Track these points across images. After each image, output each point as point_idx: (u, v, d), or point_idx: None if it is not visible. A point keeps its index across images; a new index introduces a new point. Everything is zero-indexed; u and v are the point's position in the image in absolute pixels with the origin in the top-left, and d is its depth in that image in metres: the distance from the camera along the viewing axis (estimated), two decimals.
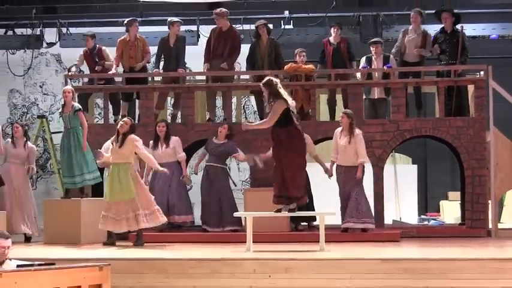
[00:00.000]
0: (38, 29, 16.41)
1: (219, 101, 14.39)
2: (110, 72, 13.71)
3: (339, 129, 12.05)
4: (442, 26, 13.36)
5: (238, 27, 14.64)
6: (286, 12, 16.23)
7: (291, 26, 16.34)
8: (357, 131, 11.92)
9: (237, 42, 13.55)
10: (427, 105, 15.05)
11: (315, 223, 12.31)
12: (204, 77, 13.94)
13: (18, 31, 16.62)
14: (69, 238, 11.65)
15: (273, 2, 15.86)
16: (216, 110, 14.21)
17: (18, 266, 7.88)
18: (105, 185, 11.89)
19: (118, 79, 13.91)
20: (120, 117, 12.81)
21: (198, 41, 15.81)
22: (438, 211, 16.76)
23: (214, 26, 13.66)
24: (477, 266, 8.94)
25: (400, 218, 15.44)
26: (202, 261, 9.33)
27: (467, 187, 12.82)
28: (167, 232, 12.17)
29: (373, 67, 13.36)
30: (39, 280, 7.49)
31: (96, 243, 11.49)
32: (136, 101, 13.89)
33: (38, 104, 17.45)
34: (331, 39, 13.58)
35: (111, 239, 11.41)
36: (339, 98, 13.63)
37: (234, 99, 14.17)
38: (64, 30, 16.36)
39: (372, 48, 13.49)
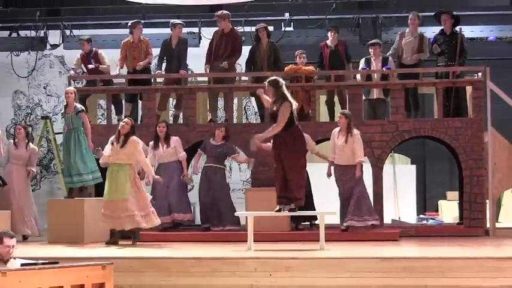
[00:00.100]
0: (42, 31, 16.42)
1: (220, 102, 14.37)
2: (113, 73, 13.72)
3: (337, 129, 12.06)
4: (442, 27, 13.36)
5: (239, 29, 14.64)
6: (287, 15, 16.24)
7: (291, 28, 16.34)
8: (355, 131, 11.94)
9: (237, 43, 13.55)
10: (426, 106, 15.07)
11: (316, 222, 12.30)
12: (205, 78, 13.95)
13: (23, 33, 16.63)
14: (72, 237, 11.65)
15: (274, 5, 15.88)
16: (217, 111, 14.21)
17: (22, 265, 7.88)
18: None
19: (121, 80, 13.92)
20: (122, 117, 12.82)
21: (199, 42, 15.83)
22: (437, 211, 16.76)
23: (217, 29, 13.67)
24: (475, 264, 8.93)
25: (399, 218, 15.44)
26: (203, 260, 9.32)
27: (465, 187, 12.82)
28: (169, 232, 12.18)
29: (372, 68, 13.39)
30: (43, 279, 7.49)
31: (99, 242, 11.49)
32: (139, 102, 13.91)
33: (41, 105, 17.45)
34: (328, 42, 13.61)
35: (114, 238, 11.42)
36: (337, 99, 13.66)
37: (235, 100, 14.17)
38: (67, 32, 16.37)
39: (370, 50, 13.51)
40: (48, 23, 16.44)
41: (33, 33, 16.45)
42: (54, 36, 16.47)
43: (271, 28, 14.10)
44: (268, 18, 15.19)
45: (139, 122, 13.66)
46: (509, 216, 15.72)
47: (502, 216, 15.63)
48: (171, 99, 14.44)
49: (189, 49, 13.88)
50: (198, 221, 13.55)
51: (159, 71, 13.69)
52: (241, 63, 14.07)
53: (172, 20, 13.86)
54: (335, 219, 11.82)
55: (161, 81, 13.90)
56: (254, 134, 10.76)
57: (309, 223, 12.55)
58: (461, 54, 13.13)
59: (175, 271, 9.21)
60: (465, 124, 12.86)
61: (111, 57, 14.91)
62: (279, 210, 10.38)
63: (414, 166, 16.98)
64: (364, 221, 11.79)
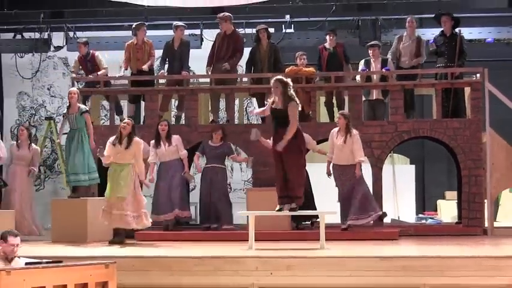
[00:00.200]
0: (46, 33, 16.41)
1: (222, 103, 14.37)
2: (118, 75, 13.73)
3: (336, 129, 12.08)
4: (441, 29, 13.36)
5: (241, 31, 14.64)
6: (287, 17, 16.23)
7: (292, 30, 16.34)
8: (354, 132, 11.95)
9: (239, 45, 13.56)
10: (425, 107, 15.06)
11: (317, 220, 12.30)
12: (207, 80, 13.96)
13: (27, 35, 16.63)
14: (76, 236, 11.66)
15: (275, 7, 15.86)
16: (219, 111, 14.21)
17: (26, 263, 7.89)
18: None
19: (124, 81, 13.94)
20: (124, 117, 12.82)
21: (201, 44, 15.82)
22: (435, 210, 16.75)
23: (219, 31, 13.68)
24: (474, 263, 8.93)
25: (399, 217, 15.43)
26: (205, 259, 9.33)
27: (463, 187, 12.82)
28: (171, 231, 12.19)
29: (371, 70, 13.40)
30: (47, 277, 7.50)
31: (102, 241, 11.49)
32: (142, 102, 13.92)
33: (45, 106, 17.45)
34: (327, 45, 13.64)
35: (118, 238, 11.42)
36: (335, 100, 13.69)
37: (236, 101, 14.17)
38: (71, 34, 16.36)
39: (369, 51, 13.53)
40: (52, 25, 16.44)
41: (37, 35, 16.44)
42: (57, 38, 16.46)
43: (272, 30, 14.11)
44: (269, 20, 15.16)
45: (142, 123, 13.68)
46: (507, 215, 15.71)
47: (500, 216, 15.63)
48: (173, 100, 14.44)
49: (191, 51, 13.89)
50: (197, 220, 13.58)
51: (162, 71, 13.67)
52: (242, 64, 14.06)
53: (174, 22, 13.88)
54: (335, 219, 11.82)
55: (163, 82, 13.92)
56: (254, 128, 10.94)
57: (309, 222, 12.55)
58: (460, 56, 13.13)
59: (178, 270, 9.22)
60: (463, 125, 12.86)
61: (114, 59, 14.99)
62: (280, 210, 10.39)
63: (413, 166, 16.97)
64: (368, 217, 11.80)
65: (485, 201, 12.69)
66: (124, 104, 14.74)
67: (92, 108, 13.74)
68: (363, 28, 15.75)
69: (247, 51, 13.71)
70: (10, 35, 16.84)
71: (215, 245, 10.94)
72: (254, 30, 13.90)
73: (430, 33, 14.78)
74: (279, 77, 10.47)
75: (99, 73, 13.65)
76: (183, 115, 13.82)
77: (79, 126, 12.37)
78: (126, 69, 13.70)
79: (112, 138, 11.51)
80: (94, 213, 11.67)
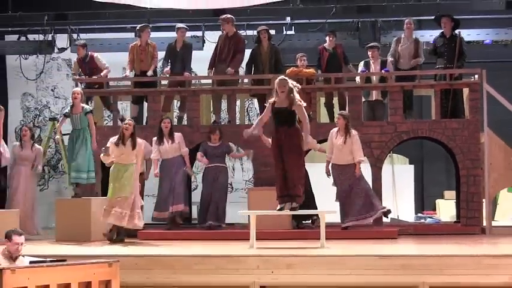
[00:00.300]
0: (50, 35, 16.42)
1: (223, 104, 14.37)
2: (123, 76, 13.74)
3: (335, 129, 12.08)
4: (441, 31, 13.36)
5: (242, 32, 14.63)
6: (288, 19, 16.23)
7: (292, 32, 16.35)
8: (353, 132, 11.96)
9: (240, 47, 13.56)
10: (424, 108, 15.05)
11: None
12: (209, 81, 13.96)
13: (31, 37, 16.64)
14: (79, 235, 11.66)
15: (276, 9, 15.87)
16: (221, 112, 14.21)
17: (31, 262, 7.90)
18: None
19: (128, 82, 13.97)
20: (127, 118, 12.81)
21: (203, 46, 15.83)
22: (434, 209, 16.75)
23: (221, 33, 13.69)
24: (472, 262, 8.93)
25: (398, 216, 15.42)
26: (207, 257, 9.32)
27: (462, 186, 12.82)
28: (172, 231, 12.19)
29: (371, 71, 13.41)
30: (51, 276, 7.50)
31: (105, 240, 11.49)
32: (145, 103, 13.93)
33: (49, 107, 17.46)
34: (327, 45, 13.66)
35: (120, 236, 11.44)
36: (336, 100, 13.68)
37: (237, 102, 14.17)
38: (75, 36, 16.38)
39: (369, 53, 13.56)
40: (56, 27, 16.44)
41: (41, 37, 16.45)
42: (61, 40, 16.47)
43: (272, 32, 14.11)
44: (270, 22, 15.18)
45: (144, 123, 13.68)
46: (505, 214, 15.71)
47: (498, 215, 15.62)
48: (175, 101, 14.44)
49: (193, 52, 13.89)
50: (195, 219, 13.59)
51: (166, 69, 13.65)
52: (242, 65, 14.05)
53: (178, 24, 13.89)
54: (335, 218, 11.81)
55: (165, 83, 13.92)
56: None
57: (310, 221, 12.55)
58: (460, 57, 13.14)
59: (180, 268, 9.22)
60: (462, 125, 12.87)
61: (116, 60, 14.96)
62: (281, 209, 10.39)
63: (412, 166, 16.97)
64: (369, 217, 11.81)
65: (484, 200, 12.69)
66: (127, 105, 14.76)
67: (95, 109, 13.74)
68: (363, 30, 15.76)
69: (248, 53, 13.71)
70: (15, 37, 16.85)
71: (217, 244, 10.94)
72: (255, 32, 13.91)
73: (428, 35, 14.80)
74: (285, 77, 10.49)
75: (102, 74, 13.65)
76: (185, 116, 13.83)
77: (82, 126, 12.38)
78: (131, 70, 13.70)
79: (114, 139, 11.50)
80: (98, 213, 11.67)
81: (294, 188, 10.26)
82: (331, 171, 12.07)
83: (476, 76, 13.07)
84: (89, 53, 13.81)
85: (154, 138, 12.55)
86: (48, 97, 17.47)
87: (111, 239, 11.38)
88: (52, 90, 17.48)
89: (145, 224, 13.19)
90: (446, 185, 16.71)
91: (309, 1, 15.94)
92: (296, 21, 16.33)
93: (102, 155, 11.47)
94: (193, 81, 14.23)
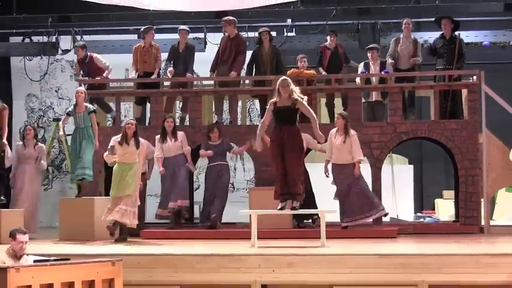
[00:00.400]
0: (54, 37, 16.42)
1: (225, 105, 14.37)
2: (130, 77, 13.74)
3: (334, 129, 12.09)
4: (441, 32, 13.36)
5: (243, 34, 14.64)
6: (289, 21, 16.24)
7: (293, 34, 16.35)
8: (352, 132, 11.96)
9: (241, 48, 13.57)
10: (423, 108, 15.04)
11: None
12: (211, 82, 13.96)
13: (35, 39, 16.65)
14: (83, 235, 11.65)
15: (276, 11, 15.86)
16: (223, 113, 14.22)
17: (35, 261, 7.91)
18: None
19: (130, 84, 13.97)
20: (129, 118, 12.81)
21: (205, 47, 15.84)
22: (433, 209, 16.73)
23: (224, 35, 13.69)
24: (471, 261, 8.93)
25: (397, 216, 15.40)
26: (209, 256, 9.32)
27: (460, 186, 12.82)
28: (175, 230, 12.20)
29: (370, 72, 13.42)
30: (55, 274, 7.51)
31: (108, 239, 11.48)
32: (147, 104, 13.93)
33: (53, 108, 17.47)
34: (328, 44, 13.69)
35: (123, 236, 11.43)
36: (337, 101, 13.67)
37: (239, 103, 14.17)
38: (78, 37, 16.38)
39: (368, 54, 13.57)
40: (60, 29, 16.45)
41: (45, 39, 16.45)
42: (65, 42, 16.47)
43: (273, 33, 14.10)
44: (271, 24, 15.17)
45: (147, 124, 13.69)
46: (503, 214, 15.68)
47: (496, 214, 15.60)
48: (177, 102, 14.44)
49: (195, 54, 13.89)
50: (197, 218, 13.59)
51: (170, 69, 13.65)
52: (244, 66, 14.06)
53: (181, 26, 13.90)
54: (335, 217, 11.81)
55: (168, 84, 13.93)
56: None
57: (310, 220, 12.54)
58: (459, 58, 13.14)
59: (182, 267, 9.22)
60: (461, 126, 12.87)
61: (120, 62, 14.99)
62: (282, 209, 10.38)
63: (411, 166, 16.95)
64: (364, 218, 11.81)
65: (482, 200, 12.68)
66: (130, 105, 14.77)
67: (98, 109, 13.73)
68: (363, 31, 15.76)
69: (249, 54, 13.71)
70: (19, 39, 16.85)
71: (218, 243, 10.94)
72: (256, 34, 13.91)
73: (427, 37, 14.81)
74: (286, 78, 10.54)
75: (104, 74, 13.66)
76: (187, 116, 13.83)
77: (86, 125, 12.39)
78: (137, 71, 13.68)
79: (117, 138, 11.49)
80: (101, 212, 11.66)
81: (295, 186, 10.25)
82: (331, 171, 12.06)
83: (474, 77, 13.07)
84: (88, 53, 13.81)
85: (157, 137, 12.55)
86: (52, 98, 17.48)
87: (113, 232, 11.35)
88: (56, 91, 17.48)
89: (148, 223, 13.23)
90: (445, 185, 16.70)
91: (310, 3, 15.93)
92: (297, 23, 16.34)
93: (106, 154, 11.44)
94: (195, 83, 14.23)
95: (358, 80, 13.53)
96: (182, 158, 12.55)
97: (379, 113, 13.41)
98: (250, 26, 15.60)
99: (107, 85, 13.83)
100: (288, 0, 15.39)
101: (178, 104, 14.59)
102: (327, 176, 12.09)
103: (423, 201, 17.33)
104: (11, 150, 12.75)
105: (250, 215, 10.79)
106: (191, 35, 14.29)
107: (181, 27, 13.85)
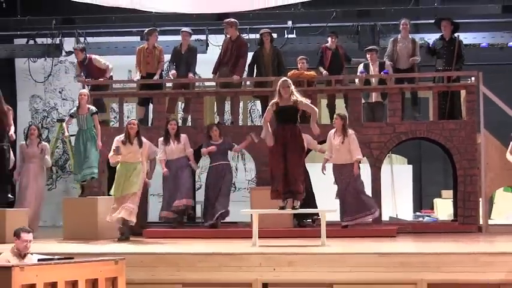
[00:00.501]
0: (58, 39, 16.43)
1: (227, 106, 14.37)
2: (135, 79, 13.72)
3: (333, 130, 12.09)
4: (441, 34, 13.36)
5: (245, 36, 14.65)
6: (290, 23, 16.25)
7: (294, 35, 16.36)
8: (350, 131, 11.96)
9: (242, 51, 13.56)
10: (422, 109, 15.03)
11: (318, 217, 12.28)
12: (212, 83, 13.96)
13: (39, 40, 16.65)
14: (86, 234, 11.64)
15: (277, 13, 15.86)
16: (224, 114, 14.22)
17: (39, 260, 7.91)
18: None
19: (133, 84, 13.97)
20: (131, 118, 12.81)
21: (207, 49, 15.85)
22: (432, 208, 16.72)
23: (226, 37, 13.70)
24: (469, 259, 8.92)
25: (397, 215, 15.40)
26: (211, 255, 9.32)
27: (459, 186, 12.82)
28: (177, 229, 12.19)
29: (370, 73, 13.42)
30: (59, 273, 7.51)
31: (112, 238, 11.48)
32: (150, 105, 13.93)
33: (57, 109, 17.46)
34: (328, 45, 13.72)
35: (126, 235, 11.43)
36: (338, 102, 13.67)
37: (240, 104, 14.17)
38: (82, 39, 16.39)
39: (367, 56, 13.56)
40: (64, 31, 16.45)
41: (49, 41, 16.46)
42: (69, 44, 16.46)
43: (274, 35, 14.10)
44: (272, 25, 15.16)
45: (150, 124, 13.68)
46: (501, 213, 15.67)
47: (494, 214, 15.58)
48: (179, 102, 14.44)
49: (197, 55, 13.89)
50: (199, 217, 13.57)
51: (173, 72, 13.64)
52: (245, 68, 14.06)
53: (182, 28, 13.91)
54: (336, 217, 11.81)
55: (170, 85, 13.93)
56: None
57: (310, 220, 12.54)
58: (458, 60, 13.14)
59: (184, 266, 9.22)
60: (459, 126, 12.86)
61: (122, 63, 15.01)
62: (283, 208, 10.38)
63: (411, 166, 16.94)
64: (363, 217, 11.81)
65: (480, 199, 12.67)
66: (133, 106, 14.76)
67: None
68: (362, 33, 15.76)
69: (250, 55, 13.70)
70: (23, 41, 16.86)
71: (220, 242, 10.93)
72: (257, 36, 13.92)
73: (426, 39, 14.77)
74: (287, 79, 10.58)
75: (106, 75, 13.67)
76: (189, 117, 13.82)
77: (89, 127, 12.39)
78: (140, 72, 13.67)
79: (120, 137, 11.48)
80: (104, 212, 11.66)
81: (296, 184, 10.25)
82: (332, 171, 12.05)
83: (473, 78, 13.07)
84: (87, 55, 13.81)
85: (161, 139, 12.54)
86: (56, 99, 17.47)
87: (124, 232, 11.36)
88: (60, 92, 17.47)
89: (150, 222, 13.22)
90: (444, 185, 16.68)
91: (310, 5, 15.91)
92: (297, 25, 16.35)
93: (111, 154, 11.42)
94: (197, 84, 14.24)
95: (357, 81, 13.53)
96: (185, 160, 12.55)
97: (378, 114, 13.41)
98: (251, 28, 15.60)
99: (110, 86, 13.83)
100: (289, 3, 15.39)
101: (181, 105, 14.59)
102: (324, 173, 12.07)
103: (422, 200, 17.31)
104: (13, 151, 12.75)
105: (251, 214, 10.80)
106: (193, 37, 14.28)
107: (184, 29, 13.85)
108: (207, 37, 16.02)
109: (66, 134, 13.15)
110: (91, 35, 16.50)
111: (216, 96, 13.83)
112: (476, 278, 8.81)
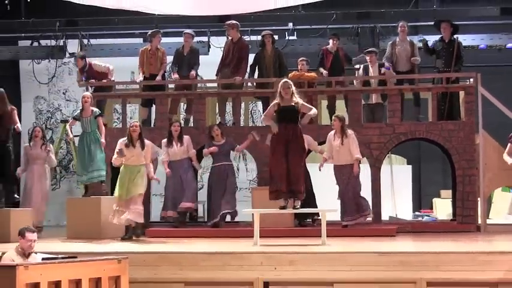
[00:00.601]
0: (61, 41, 16.44)
1: (228, 107, 14.37)
2: (138, 80, 13.72)
3: (332, 132, 12.08)
4: (441, 35, 13.36)
5: (246, 38, 14.65)
6: (290, 24, 16.25)
7: (294, 37, 16.36)
8: (349, 132, 11.96)
9: (244, 52, 13.56)
10: (421, 110, 15.03)
11: (318, 218, 12.29)
12: (214, 84, 13.97)
13: (43, 42, 16.66)
14: (90, 233, 11.64)
15: (278, 15, 15.87)
16: (226, 114, 14.22)
17: (43, 259, 7.92)
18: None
19: (136, 86, 13.98)
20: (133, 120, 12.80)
21: (208, 51, 15.86)
22: (431, 208, 16.73)
23: (227, 39, 13.71)
24: (468, 258, 8.92)
25: (396, 215, 15.41)
26: (213, 254, 9.33)
27: (458, 186, 12.81)
28: (179, 228, 12.20)
29: (369, 75, 13.42)
30: (63, 272, 7.52)
31: (115, 237, 11.49)
32: (153, 106, 13.94)
33: (61, 110, 17.48)
34: (329, 48, 13.69)
35: (129, 234, 11.43)
36: (338, 103, 13.67)
37: (242, 105, 14.17)
38: (85, 41, 16.40)
39: (367, 57, 13.56)
40: (67, 33, 16.47)
41: (53, 43, 16.47)
42: (72, 45, 16.49)
43: (275, 37, 14.09)
44: (273, 27, 15.17)
45: (152, 125, 13.69)
46: (499, 213, 15.68)
47: (493, 213, 15.60)
48: (182, 103, 14.45)
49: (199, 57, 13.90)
50: (205, 217, 13.57)
51: (176, 76, 13.64)
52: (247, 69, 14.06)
53: (184, 30, 13.91)
54: (336, 216, 11.81)
55: (173, 86, 13.94)
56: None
57: (311, 220, 12.53)
58: (457, 61, 13.14)
59: (187, 265, 9.22)
60: (458, 127, 12.86)
61: (125, 64, 15.02)
62: (284, 207, 10.38)
63: (410, 166, 16.96)
64: (360, 217, 11.84)
65: (479, 199, 12.66)
66: (136, 107, 14.76)
67: (105, 111, 13.74)
68: (362, 35, 15.78)
69: (252, 58, 13.71)
70: (28, 42, 16.88)
71: (222, 241, 10.93)
72: (259, 37, 13.93)
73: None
74: (287, 80, 10.59)
75: (110, 76, 13.68)
76: (191, 118, 13.83)
77: (93, 129, 12.40)
78: (144, 73, 13.67)
79: (124, 140, 11.47)
80: (107, 211, 11.66)
81: (297, 184, 10.25)
82: (333, 172, 12.05)
83: (471, 80, 13.06)
84: (87, 62, 13.82)
85: (164, 141, 12.53)
86: (60, 100, 17.49)
87: (138, 232, 11.43)
88: (63, 93, 17.49)
89: (152, 222, 13.23)
90: (443, 185, 16.69)
91: (311, 7, 15.92)
92: (298, 27, 16.36)
93: (115, 157, 11.41)
94: (199, 85, 14.25)
95: (355, 82, 13.54)
96: (188, 162, 12.53)
97: (378, 115, 13.41)
98: (252, 30, 15.61)
99: (113, 87, 13.84)
100: (290, 5, 15.39)
101: (183, 106, 14.59)
102: (320, 170, 12.05)
103: (421, 200, 17.33)
104: (17, 148, 12.78)
105: (252, 214, 10.80)
106: (195, 39, 14.28)
107: (186, 31, 13.85)
108: (208, 39, 16.03)
109: (71, 136, 13.14)
110: (94, 36, 16.52)
111: (218, 97, 13.83)
112: (474, 276, 8.81)
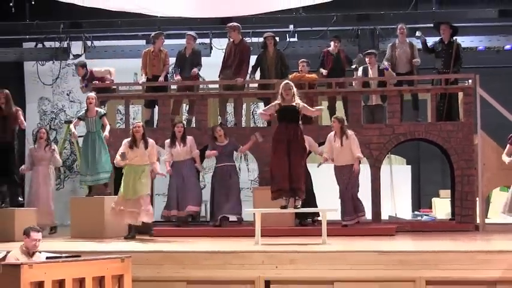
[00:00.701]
0: (65, 42, 16.47)
1: (230, 108, 14.37)
2: (141, 81, 13.71)
3: (332, 133, 12.07)
4: (440, 37, 13.36)
5: (247, 40, 14.65)
6: (291, 26, 16.26)
7: (295, 39, 16.37)
8: (349, 132, 11.95)
9: (245, 54, 13.56)
10: (420, 111, 15.04)
11: (318, 218, 12.29)
12: (216, 85, 13.98)
13: (47, 44, 16.69)
14: (93, 232, 11.65)
15: (279, 17, 15.88)
16: (226, 115, 14.22)
17: (47, 258, 7.92)
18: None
19: (139, 87, 13.99)
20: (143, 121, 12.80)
21: (210, 52, 15.87)
22: (430, 207, 16.72)
23: (229, 41, 13.72)
24: (466, 257, 8.92)
25: (396, 214, 15.41)
26: (215, 253, 9.32)
27: (457, 185, 12.81)
28: (182, 227, 12.21)
29: (369, 76, 13.42)
30: (67, 271, 7.52)
31: (118, 237, 11.49)
32: (156, 107, 13.94)
33: (65, 111, 17.50)
34: (330, 50, 13.68)
35: (132, 233, 11.43)
36: (339, 104, 13.67)
37: (243, 106, 14.17)
38: (89, 43, 16.42)
39: (366, 59, 13.55)
40: (71, 35, 16.50)
41: (57, 44, 16.51)
42: (76, 47, 16.51)
43: (276, 39, 14.10)
44: (274, 29, 15.18)
45: (155, 126, 13.69)
46: (498, 212, 15.59)
47: (491, 213, 15.57)
48: (184, 104, 14.45)
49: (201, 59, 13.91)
50: (207, 217, 13.56)
51: (178, 77, 13.64)
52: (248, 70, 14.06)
53: (186, 32, 13.92)
54: (336, 216, 11.81)
55: (175, 88, 13.94)
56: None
57: (311, 220, 12.53)
58: (456, 62, 13.14)
59: (189, 264, 9.22)
60: (457, 127, 12.85)
61: (128, 66, 15.03)
62: (285, 207, 10.38)
63: (409, 166, 16.95)
64: (356, 218, 11.86)
65: (477, 199, 12.67)
66: (138, 108, 14.76)
67: (107, 112, 13.73)
68: (362, 37, 15.80)
69: (253, 59, 13.71)
70: (32, 44, 16.91)
71: (224, 240, 10.93)
72: (260, 39, 13.94)
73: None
74: (289, 81, 10.60)
75: (112, 77, 13.70)
76: (193, 119, 13.83)
77: (97, 129, 12.41)
78: (146, 75, 13.68)
79: (128, 141, 11.47)
80: (111, 211, 11.66)
81: (298, 182, 10.24)
82: (334, 172, 12.04)
83: (470, 81, 13.06)
84: (88, 69, 13.83)
85: (167, 141, 12.53)
86: (64, 101, 17.51)
87: (150, 232, 11.45)
88: (67, 94, 17.51)
89: (155, 221, 13.22)
90: (442, 185, 16.68)
91: (311, 10, 15.93)
92: (299, 29, 16.37)
93: (118, 159, 11.40)
94: (201, 86, 14.26)
95: (354, 83, 13.54)
96: (190, 162, 12.52)
97: (378, 116, 13.40)
98: (254, 32, 15.62)
99: (116, 88, 13.84)
100: (291, 7, 15.40)
101: (185, 107, 14.60)
102: (317, 167, 12.04)
103: (420, 200, 17.31)
104: (21, 147, 12.79)
105: (254, 213, 10.80)
106: (197, 41, 14.27)
107: (189, 32, 13.86)
108: (210, 41, 16.05)
109: (75, 132, 13.12)
110: (98, 38, 16.54)
111: (220, 98, 13.83)
112: (473, 275, 8.81)
